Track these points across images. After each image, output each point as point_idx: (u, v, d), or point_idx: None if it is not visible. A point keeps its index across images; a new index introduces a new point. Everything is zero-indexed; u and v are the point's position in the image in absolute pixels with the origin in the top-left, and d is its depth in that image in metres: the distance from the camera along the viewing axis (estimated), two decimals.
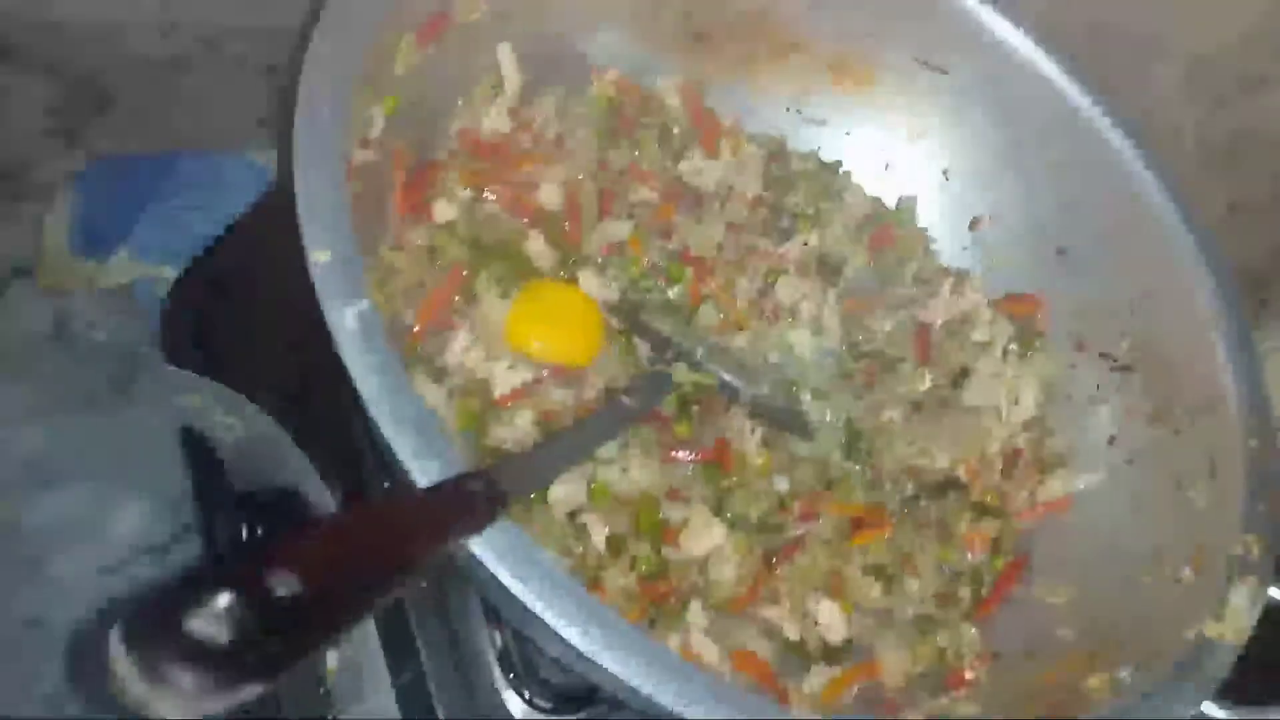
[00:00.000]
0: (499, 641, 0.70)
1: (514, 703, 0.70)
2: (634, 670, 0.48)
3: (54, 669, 0.87)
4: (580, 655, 0.48)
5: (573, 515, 0.68)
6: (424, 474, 0.48)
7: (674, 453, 0.74)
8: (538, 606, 0.48)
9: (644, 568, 0.70)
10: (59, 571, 0.90)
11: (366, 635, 0.73)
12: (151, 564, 0.93)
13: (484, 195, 0.74)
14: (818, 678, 0.70)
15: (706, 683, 0.49)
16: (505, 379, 0.67)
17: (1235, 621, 0.61)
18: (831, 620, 0.72)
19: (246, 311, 0.86)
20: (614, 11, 0.83)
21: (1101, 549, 0.76)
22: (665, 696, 0.48)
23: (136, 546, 0.92)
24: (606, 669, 0.48)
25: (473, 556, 0.48)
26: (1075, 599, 0.74)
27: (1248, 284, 1.10)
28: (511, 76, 0.78)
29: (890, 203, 0.94)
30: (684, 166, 0.87)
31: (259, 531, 0.77)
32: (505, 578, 0.48)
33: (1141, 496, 0.76)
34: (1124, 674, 0.62)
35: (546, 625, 0.48)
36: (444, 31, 0.71)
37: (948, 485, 0.82)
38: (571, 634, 0.48)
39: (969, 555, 0.79)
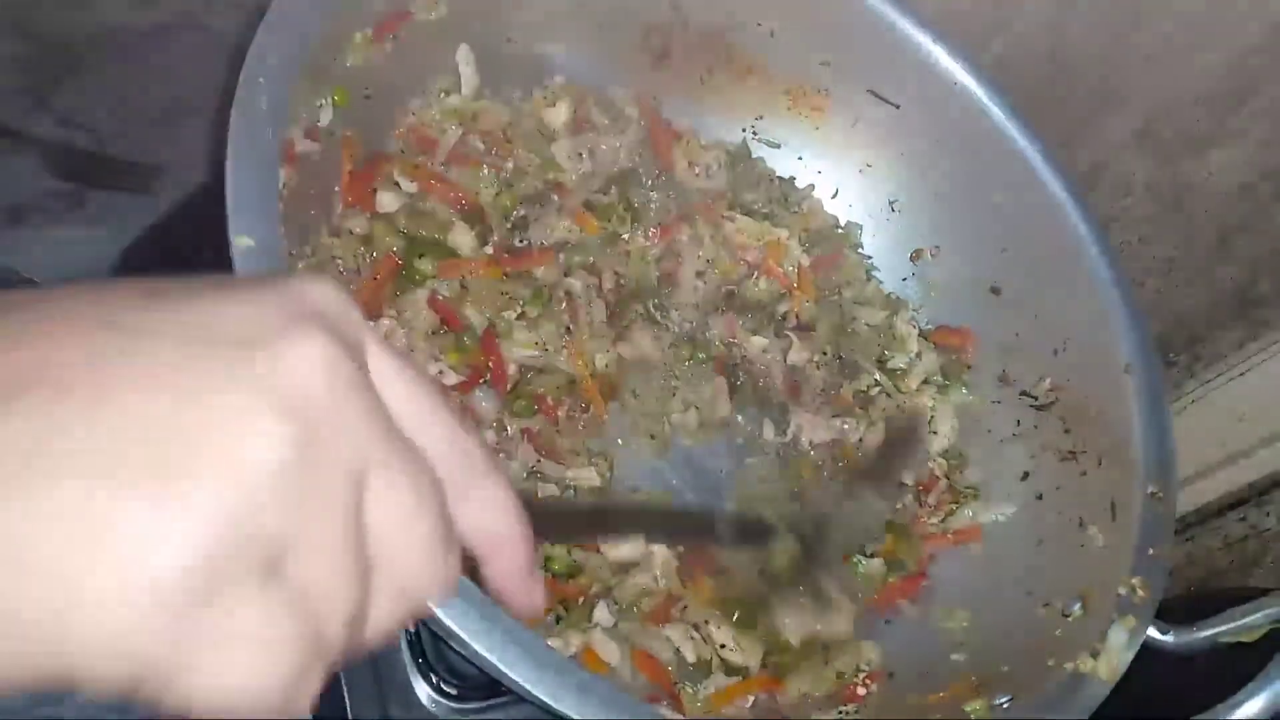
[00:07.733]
0: (411, 628, 0.71)
1: (421, 688, 0.71)
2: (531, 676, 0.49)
3: None
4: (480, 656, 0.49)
5: None
6: None
7: None
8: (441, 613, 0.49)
9: (556, 567, 0.72)
10: None
11: None
12: None
13: (428, 187, 0.75)
14: (714, 684, 0.71)
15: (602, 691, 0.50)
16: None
17: (1110, 659, 0.63)
18: (737, 645, 0.73)
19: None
20: (575, 21, 0.84)
21: (1002, 579, 0.79)
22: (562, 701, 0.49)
23: None
24: (506, 673, 0.49)
25: None
26: (971, 626, 0.76)
27: (1182, 336, 1.13)
28: (469, 76, 0.80)
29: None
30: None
31: None
32: None
33: (1046, 532, 0.79)
34: (1001, 701, 0.64)
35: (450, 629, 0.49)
36: (402, 28, 0.72)
37: None
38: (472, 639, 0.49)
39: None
